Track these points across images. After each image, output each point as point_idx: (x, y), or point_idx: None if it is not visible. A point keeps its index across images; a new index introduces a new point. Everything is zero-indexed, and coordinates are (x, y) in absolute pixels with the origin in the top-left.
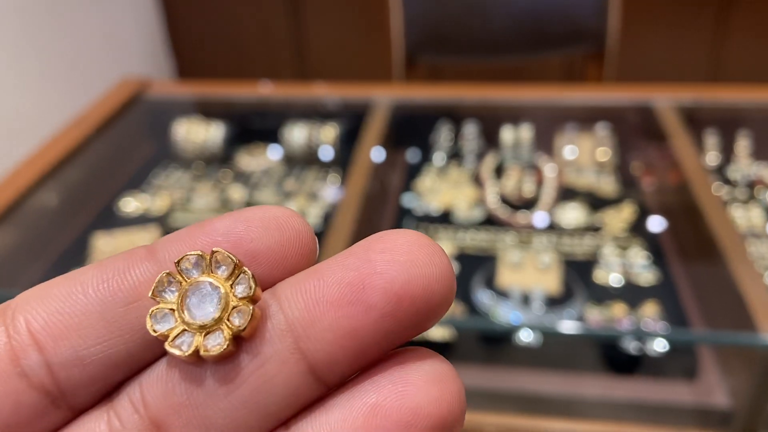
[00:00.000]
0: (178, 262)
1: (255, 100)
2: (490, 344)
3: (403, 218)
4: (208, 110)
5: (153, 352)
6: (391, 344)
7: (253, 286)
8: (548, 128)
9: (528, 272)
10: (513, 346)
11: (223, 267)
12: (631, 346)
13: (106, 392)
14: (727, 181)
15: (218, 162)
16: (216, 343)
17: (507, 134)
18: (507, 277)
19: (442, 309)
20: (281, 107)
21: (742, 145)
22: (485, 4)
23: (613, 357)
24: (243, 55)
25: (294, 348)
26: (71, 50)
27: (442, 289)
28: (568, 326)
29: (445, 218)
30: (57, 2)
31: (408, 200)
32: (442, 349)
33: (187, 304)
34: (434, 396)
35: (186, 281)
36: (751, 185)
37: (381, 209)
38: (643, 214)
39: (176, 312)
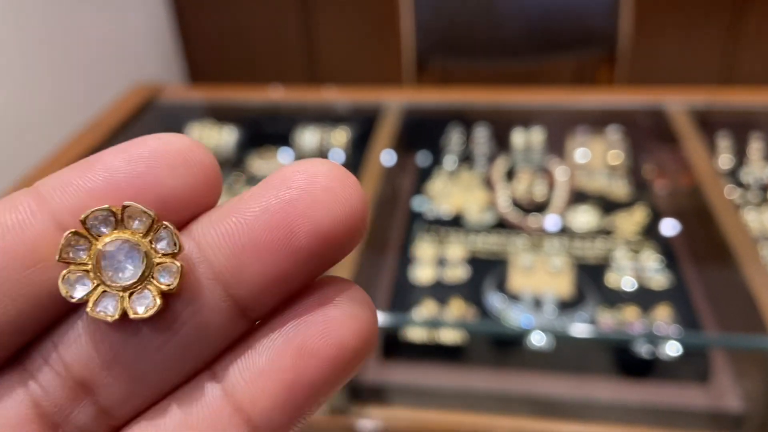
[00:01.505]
0: (84, 219)
1: (267, 105)
2: (502, 347)
3: (413, 221)
4: (220, 115)
5: (46, 310)
6: (313, 278)
7: (177, 242)
8: (559, 131)
9: (539, 276)
10: (525, 349)
11: (137, 221)
12: (643, 349)
13: (4, 357)
14: (739, 185)
15: (230, 166)
16: (146, 305)
17: (518, 137)
18: (518, 280)
19: (359, 239)
20: (293, 111)
21: (755, 148)
22: (496, 7)
23: (625, 360)
24: (254, 60)
25: (225, 295)
26: (84, 56)
27: (361, 223)
28: (579, 330)
29: (456, 222)
30: (69, 8)
31: (419, 203)
32: (453, 352)
33: (103, 265)
34: (355, 329)
35: (96, 240)
36: (764, 188)
37: (392, 213)
38: (655, 217)
39: (91, 273)
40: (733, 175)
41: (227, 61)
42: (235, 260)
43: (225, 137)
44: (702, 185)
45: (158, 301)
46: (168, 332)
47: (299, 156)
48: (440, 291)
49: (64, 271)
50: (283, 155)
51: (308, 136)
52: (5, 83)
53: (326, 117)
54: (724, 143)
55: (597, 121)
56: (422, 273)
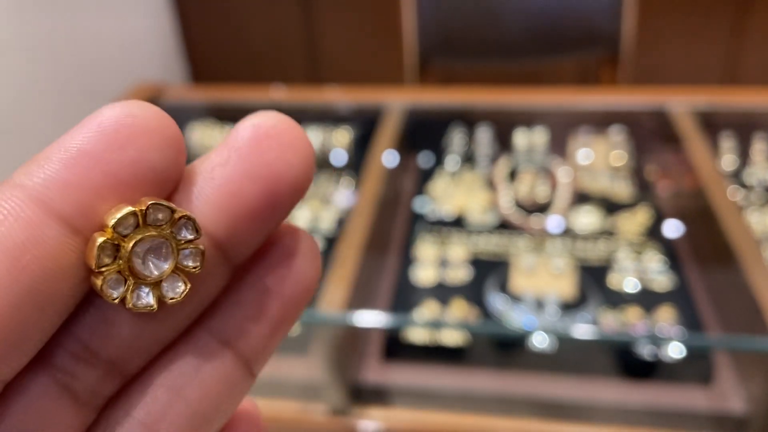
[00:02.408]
0: (114, 226)
1: (268, 105)
2: (504, 349)
3: (415, 222)
4: (222, 115)
5: (68, 311)
6: None
7: (198, 230)
8: (562, 132)
9: (542, 277)
10: (527, 350)
11: (160, 216)
12: (645, 351)
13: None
14: (743, 186)
15: None
16: (179, 290)
17: (520, 138)
18: (520, 281)
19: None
20: (294, 111)
21: (759, 148)
22: (498, 7)
23: (627, 362)
24: (256, 60)
25: (223, 259)
26: (86, 56)
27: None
28: (582, 331)
29: (458, 223)
30: (71, 9)
31: (421, 204)
32: (455, 353)
33: (135, 263)
34: (315, 274)
35: (124, 240)
36: None
37: (394, 213)
38: (658, 218)
39: (125, 272)
40: (736, 176)
41: (229, 61)
42: (231, 230)
43: None
44: (705, 186)
45: (188, 284)
46: (185, 303)
47: None
48: (442, 292)
49: (102, 277)
50: None
51: (310, 137)
52: (8, 83)
53: (328, 117)
54: (728, 144)
55: (600, 122)
56: (424, 274)
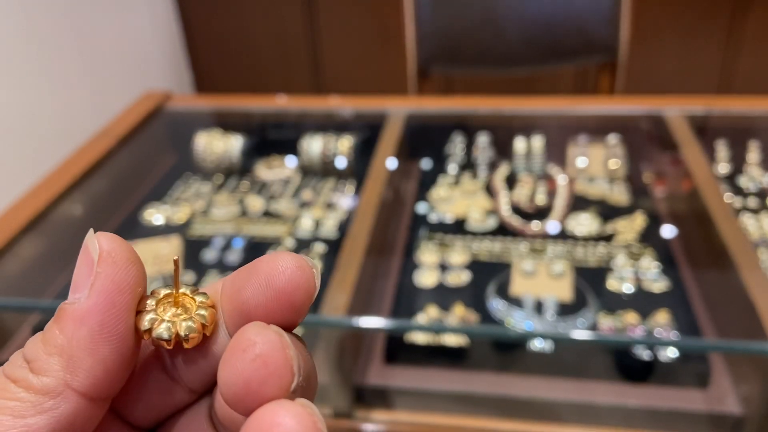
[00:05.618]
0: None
1: (272, 113)
2: (504, 351)
3: (417, 227)
4: (227, 123)
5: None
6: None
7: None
8: (560, 138)
9: (541, 280)
10: (526, 353)
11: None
12: (643, 353)
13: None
14: (738, 191)
15: (237, 173)
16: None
17: (519, 144)
18: (520, 285)
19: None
20: (298, 119)
21: (753, 154)
22: (498, 16)
23: (625, 364)
24: (260, 69)
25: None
26: (94, 65)
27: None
28: (580, 334)
29: (458, 227)
30: (80, 20)
31: (422, 210)
32: (456, 355)
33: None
34: None
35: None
36: (762, 194)
37: (396, 218)
38: (654, 222)
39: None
40: (731, 181)
41: (234, 70)
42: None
43: (232, 145)
44: (701, 191)
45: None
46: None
47: (305, 162)
48: (443, 295)
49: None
50: (289, 162)
51: (313, 144)
52: (17, 91)
53: (331, 125)
54: (723, 150)
55: (597, 129)
56: (425, 277)
